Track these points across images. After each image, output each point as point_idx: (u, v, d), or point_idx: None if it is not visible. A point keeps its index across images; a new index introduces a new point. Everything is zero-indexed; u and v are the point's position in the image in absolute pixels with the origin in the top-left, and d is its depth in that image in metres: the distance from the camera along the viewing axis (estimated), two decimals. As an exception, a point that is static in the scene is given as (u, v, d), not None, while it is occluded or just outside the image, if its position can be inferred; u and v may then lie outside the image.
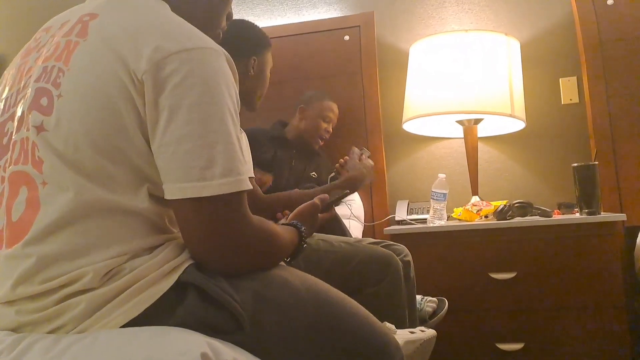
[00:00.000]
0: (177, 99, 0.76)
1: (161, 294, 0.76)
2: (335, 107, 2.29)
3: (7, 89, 0.91)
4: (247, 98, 1.75)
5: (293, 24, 2.70)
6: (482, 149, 2.47)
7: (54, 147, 0.77)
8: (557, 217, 2.07)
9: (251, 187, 0.81)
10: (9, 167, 0.81)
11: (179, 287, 0.77)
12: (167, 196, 0.77)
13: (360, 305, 0.93)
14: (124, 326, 0.74)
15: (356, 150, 2.02)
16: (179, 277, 0.78)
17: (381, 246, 1.72)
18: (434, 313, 1.80)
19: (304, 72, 2.58)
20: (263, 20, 2.78)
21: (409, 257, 1.77)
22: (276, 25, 2.71)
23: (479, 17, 2.59)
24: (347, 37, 2.57)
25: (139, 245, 0.78)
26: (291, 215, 1.07)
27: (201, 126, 0.76)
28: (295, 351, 0.82)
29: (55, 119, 0.78)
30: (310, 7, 2.76)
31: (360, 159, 2.00)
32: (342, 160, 2.05)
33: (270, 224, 0.89)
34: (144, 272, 0.76)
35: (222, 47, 0.85)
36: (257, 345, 0.79)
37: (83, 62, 0.80)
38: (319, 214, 1.13)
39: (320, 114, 2.22)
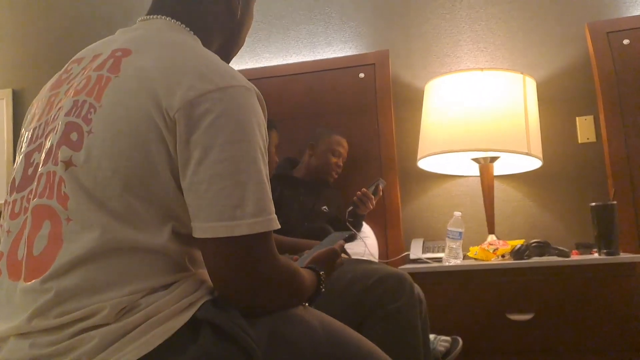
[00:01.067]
0: (210, 138, 0.77)
1: (175, 330, 0.75)
2: (344, 141, 2.32)
3: (35, 118, 0.91)
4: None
5: (308, 61, 2.73)
6: (499, 187, 2.45)
7: (81, 184, 0.78)
8: (575, 257, 2.04)
9: (279, 226, 0.82)
10: (33, 199, 0.81)
11: (194, 324, 0.76)
12: (197, 235, 0.78)
13: (375, 346, 0.92)
14: None
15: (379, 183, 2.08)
16: (194, 314, 0.77)
17: None
18: (447, 352, 1.76)
19: (318, 109, 2.60)
20: (279, 58, 2.83)
21: (422, 296, 1.72)
22: (292, 63, 2.75)
23: (495, 56, 2.60)
24: (362, 75, 2.59)
25: (157, 282, 0.78)
26: (309, 259, 1.06)
27: (233, 165, 0.77)
28: None
29: (85, 155, 0.79)
30: (326, 45, 2.80)
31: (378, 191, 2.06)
32: (359, 192, 2.05)
33: (294, 264, 0.89)
34: (160, 308, 0.76)
35: None
36: None
37: (115, 99, 0.81)
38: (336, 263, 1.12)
39: (329, 148, 2.25)
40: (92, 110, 0.81)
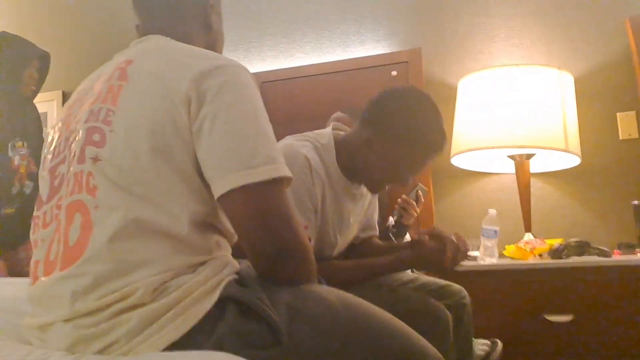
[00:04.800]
0: (216, 105, 0.85)
1: (206, 311, 0.79)
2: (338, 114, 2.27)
3: (55, 140, 0.99)
4: (371, 176, 1.57)
5: (341, 60, 2.73)
6: (535, 184, 2.39)
7: (107, 175, 0.84)
8: (617, 257, 1.97)
9: (291, 175, 0.88)
10: (65, 200, 0.87)
11: (220, 303, 0.81)
12: (219, 191, 0.83)
13: (398, 320, 0.92)
14: (171, 344, 0.77)
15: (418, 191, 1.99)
16: (220, 292, 0.81)
17: (437, 287, 1.61)
18: (487, 356, 1.72)
19: (352, 107, 2.59)
20: (312, 57, 2.83)
21: (466, 300, 1.62)
22: (325, 62, 2.75)
23: (530, 52, 2.54)
24: (394, 73, 2.58)
25: (182, 263, 0.83)
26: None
27: (241, 123, 0.86)
28: None
29: (109, 150, 0.86)
30: (359, 44, 2.79)
31: (418, 200, 1.97)
32: (400, 200, 1.98)
33: None
34: (191, 289, 0.80)
35: None
36: (294, 359, 0.80)
37: (130, 100, 0.88)
38: None
39: None
40: (110, 113, 0.89)
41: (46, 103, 3.20)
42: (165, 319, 0.77)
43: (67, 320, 0.81)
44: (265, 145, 0.86)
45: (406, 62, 2.58)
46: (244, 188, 0.82)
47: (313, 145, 1.44)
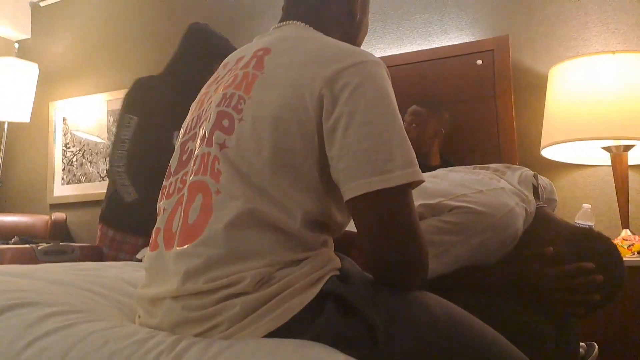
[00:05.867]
0: (353, 105, 0.84)
1: (307, 302, 0.81)
2: (413, 108, 2.32)
3: (189, 115, 1.04)
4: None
5: (424, 50, 2.68)
6: (633, 177, 2.26)
7: (232, 162, 0.87)
8: None
9: (424, 179, 0.86)
10: (190, 177, 0.91)
11: (321, 298, 0.82)
12: (350, 194, 0.83)
13: (500, 335, 0.89)
14: (270, 333, 0.79)
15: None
16: (321, 287, 0.82)
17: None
18: (582, 359, 1.64)
19: (434, 98, 2.54)
20: (393, 48, 2.80)
21: None
22: (407, 52, 2.71)
23: (627, 37, 2.40)
24: (479, 62, 2.50)
25: (289, 258, 0.84)
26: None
27: (377, 125, 0.84)
28: None
29: (236, 138, 0.89)
30: (441, 33, 2.73)
31: None
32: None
33: None
34: (293, 281, 0.81)
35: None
36: None
37: (262, 92, 0.90)
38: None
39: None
40: (241, 101, 0.91)
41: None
42: (266, 309, 0.79)
43: (175, 298, 0.84)
44: (400, 148, 0.84)
45: (492, 50, 2.49)
46: (377, 193, 0.81)
47: (525, 216, 1.28)
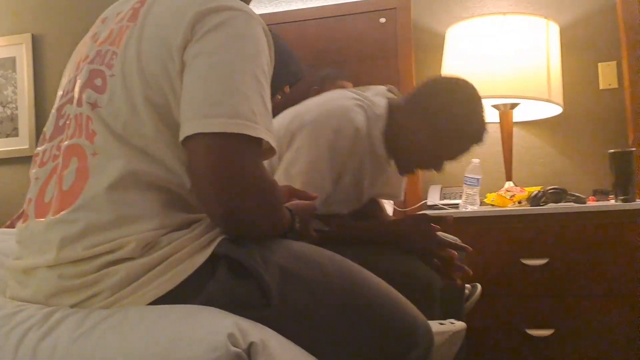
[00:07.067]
0: (203, 46, 0.80)
1: (197, 266, 0.78)
2: (350, 86, 2.23)
3: (65, 78, 0.97)
4: None
5: (329, 5, 2.69)
6: (518, 134, 2.46)
7: (106, 122, 0.82)
8: (592, 203, 2.07)
9: (263, 137, 0.80)
10: (65, 141, 0.86)
11: (212, 260, 0.79)
12: (181, 137, 0.79)
13: (390, 287, 0.94)
14: (158, 300, 0.76)
15: None
16: (213, 250, 0.79)
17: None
18: (466, 300, 1.82)
19: (339, 55, 2.59)
20: (298, 2, 2.79)
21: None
22: (312, 7, 2.72)
23: (518, 0, 2.55)
24: (383, 20, 2.56)
25: (178, 220, 0.81)
26: (290, 203, 1.05)
27: (221, 67, 0.79)
28: (321, 329, 0.84)
29: (108, 96, 0.83)
30: (346, -11, 2.75)
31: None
32: None
33: (277, 183, 0.88)
34: (182, 245, 0.78)
35: None
36: (284, 322, 0.80)
37: (131, 44, 0.85)
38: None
39: None
40: (114, 56, 0.86)
41: (14, 47, 3.05)
42: (153, 274, 0.76)
43: (51, 267, 0.79)
44: (237, 97, 0.78)
45: (395, 8, 2.56)
46: (200, 137, 0.77)
47: (367, 115, 1.44)
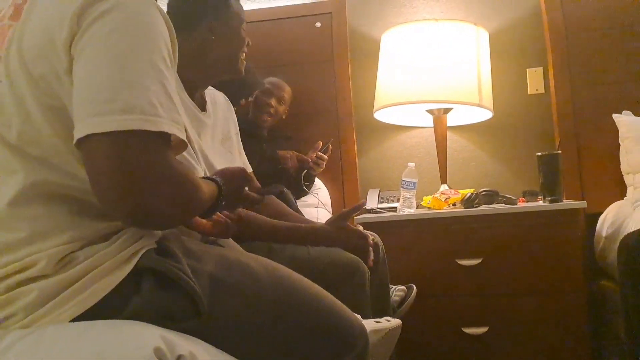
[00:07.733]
0: (92, 34, 0.72)
1: (118, 282, 0.74)
2: (281, 83, 2.25)
3: None
4: (224, 65, 1.46)
5: (264, 9, 2.68)
6: (452, 138, 2.52)
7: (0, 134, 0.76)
8: (522, 204, 2.14)
9: (165, 130, 0.72)
10: None
11: (137, 274, 0.75)
12: (74, 140, 0.71)
13: (324, 290, 0.93)
14: (77, 318, 0.72)
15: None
16: (136, 263, 0.75)
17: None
18: (402, 301, 1.83)
19: (275, 59, 2.56)
20: (234, 5, 2.75)
21: (381, 246, 1.71)
22: (247, 10, 2.67)
23: (450, 7, 2.61)
24: (318, 24, 2.57)
25: (93, 231, 0.76)
26: (217, 171, 0.99)
27: (112, 58, 0.71)
28: (255, 337, 0.82)
29: None
30: (283, -7, 2.74)
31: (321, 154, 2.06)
32: (314, 156, 2.04)
33: (190, 171, 0.82)
34: (101, 260, 0.74)
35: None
36: (216, 332, 0.78)
37: (15, 44, 0.78)
38: (245, 191, 1.06)
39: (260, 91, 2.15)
40: None
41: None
42: (70, 292, 0.72)
43: None
44: (131, 90, 0.70)
45: (330, 13, 2.57)
46: (92, 138, 0.68)
47: None
